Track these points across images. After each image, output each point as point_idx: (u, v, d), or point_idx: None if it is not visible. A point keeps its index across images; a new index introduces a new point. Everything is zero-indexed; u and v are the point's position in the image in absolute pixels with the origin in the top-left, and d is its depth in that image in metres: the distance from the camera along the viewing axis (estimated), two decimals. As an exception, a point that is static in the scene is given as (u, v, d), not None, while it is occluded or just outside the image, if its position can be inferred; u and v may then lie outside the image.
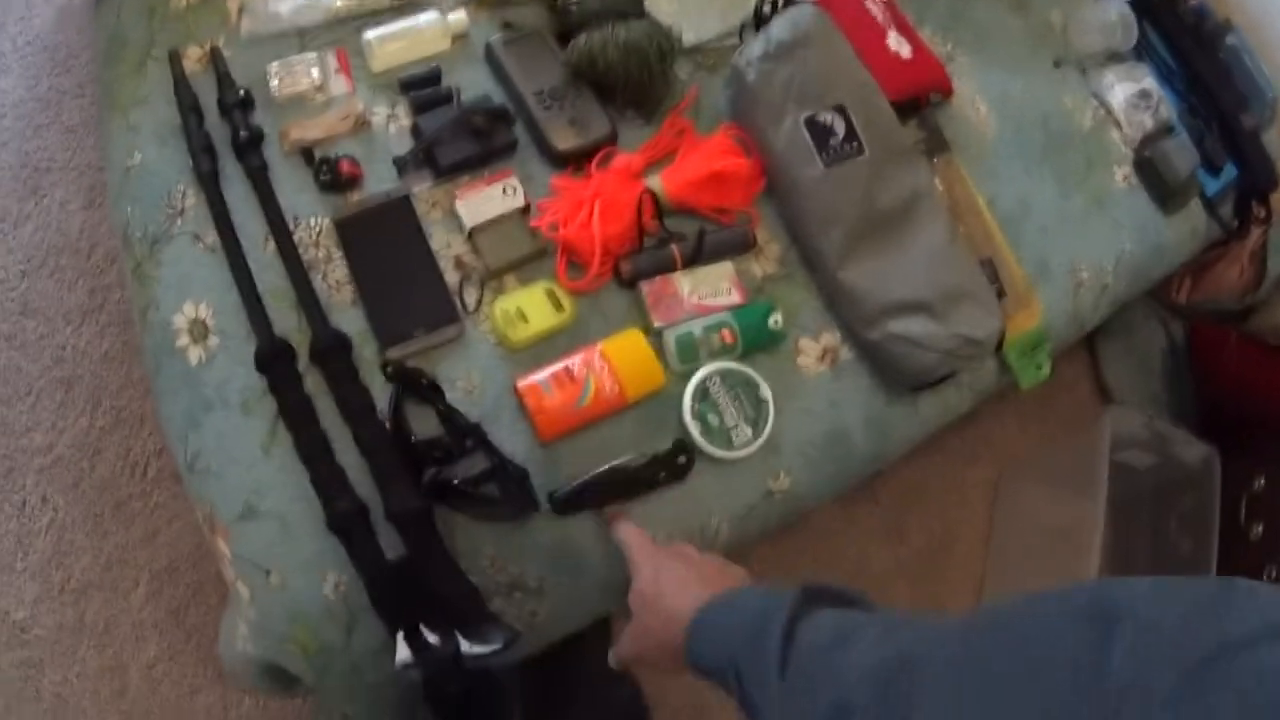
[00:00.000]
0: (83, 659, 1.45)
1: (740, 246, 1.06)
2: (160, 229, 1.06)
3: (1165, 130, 1.48)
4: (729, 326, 1.02)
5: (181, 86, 1.12)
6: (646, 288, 1.02)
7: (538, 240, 1.03)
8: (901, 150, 1.11)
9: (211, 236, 1.04)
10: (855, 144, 1.07)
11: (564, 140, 1.06)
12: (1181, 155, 1.44)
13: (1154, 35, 1.61)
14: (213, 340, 1.00)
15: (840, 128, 1.07)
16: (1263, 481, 1.49)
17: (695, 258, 1.03)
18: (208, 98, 1.11)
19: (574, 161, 1.07)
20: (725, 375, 1.01)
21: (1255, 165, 1.58)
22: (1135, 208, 1.37)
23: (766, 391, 1.02)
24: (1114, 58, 1.49)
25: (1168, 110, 1.50)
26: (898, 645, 0.53)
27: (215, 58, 1.14)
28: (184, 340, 1.01)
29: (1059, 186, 1.30)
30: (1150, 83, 1.49)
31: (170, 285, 1.03)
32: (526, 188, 1.05)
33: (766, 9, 1.15)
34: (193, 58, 1.15)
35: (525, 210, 1.04)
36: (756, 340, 1.04)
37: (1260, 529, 1.45)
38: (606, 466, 0.97)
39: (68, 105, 1.62)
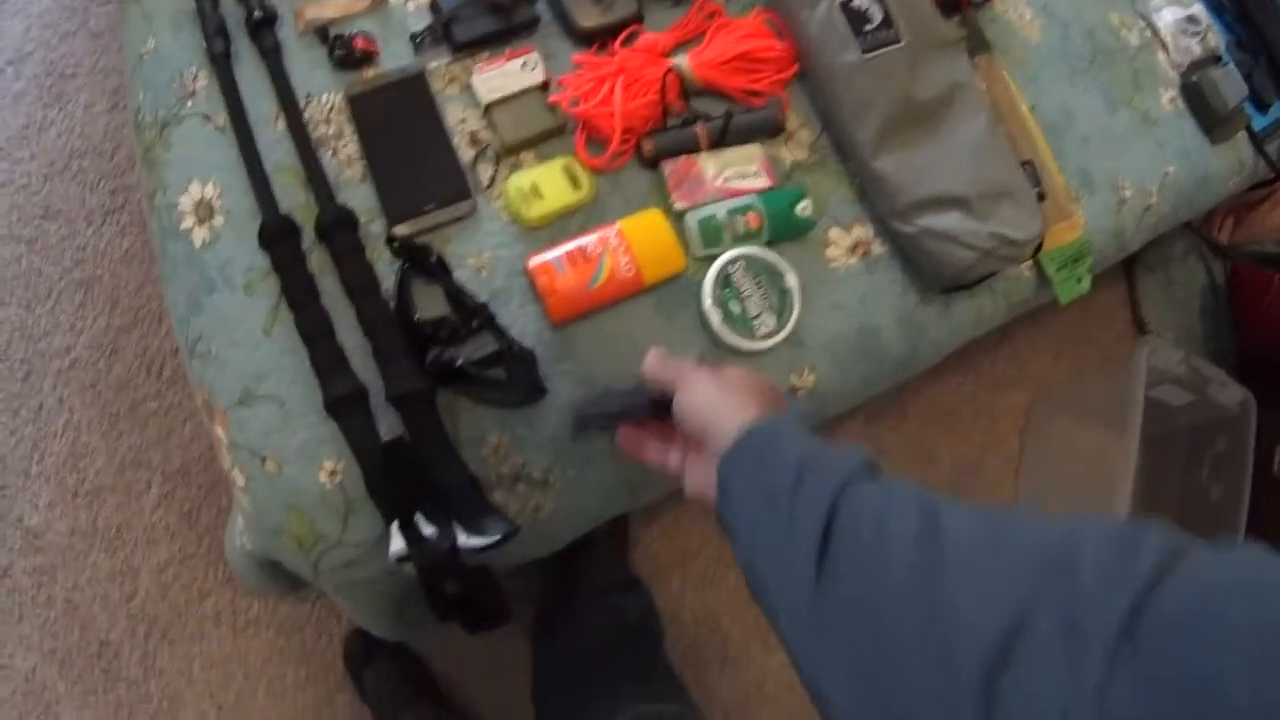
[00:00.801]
0: (94, 563, 1.40)
1: (770, 129, 0.98)
2: (170, 112, 0.99)
3: (1213, 59, 1.38)
4: (755, 210, 0.94)
5: (197, -36, 1.05)
6: (669, 167, 0.94)
7: (557, 116, 0.95)
8: (942, 41, 1.02)
9: (222, 117, 0.97)
10: (892, 31, 0.98)
11: (588, 17, 0.98)
12: (1229, 84, 1.33)
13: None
14: (218, 220, 0.94)
15: (878, 14, 0.98)
16: None
17: (721, 139, 0.95)
18: (224, -20, 1.04)
19: (598, 40, 0.98)
20: (750, 261, 0.93)
21: (1304, 105, 1.48)
22: (1182, 131, 1.28)
23: (793, 280, 0.94)
24: (1162, -21, 1.39)
25: (1216, 39, 1.40)
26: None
27: (233, -64, 1.07)
28: (189, 221, 0.94)
29: (1104, 99, 1.21)
30: (1199, 9, 1.39)
31: (178, 166, 0.97)
32: (548, 65, 0.97)
33: (805, -108, 1.06)
34: (212, -60, 1.08)
35: (545, 86, 0.96)
36: (784, 227, 0.96)
37: None
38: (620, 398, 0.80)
39: (94, 11, 1.56)
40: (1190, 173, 1.27)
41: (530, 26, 0.99)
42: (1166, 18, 1.35)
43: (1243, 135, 1.39)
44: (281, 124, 0.97)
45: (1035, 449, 1.58)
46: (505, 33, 0.98)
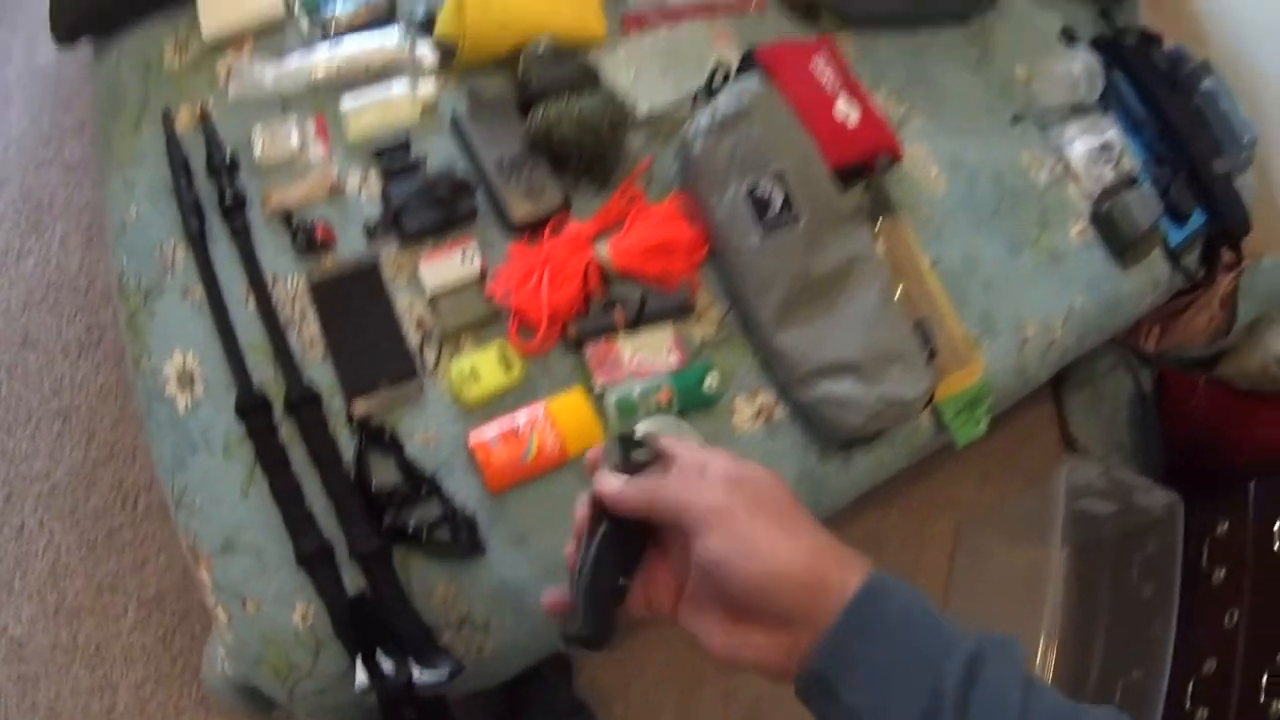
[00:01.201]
0: (75, 676, 1.64)
1: (680, 311, 1.23)
2: (152, 282, 1.25)
3: (1127, 182, 1.62)
4: (666, 388, 1.18)
5: (173, 147, 1.31)
6: (590, 350, 1.19)
7: (492, 305, 1.20)
8: (840, 217, 1.27)
9: (199, 292, 1.23)
10: (792, 214, 1.23)
11: (520, 209, 1.23)
12: (1142, 207, 1.57)
13: (1124, 83, 1.74)
14: (198, 388, 1.19)
15: (779, 198, 1.23)
16: (1226, 526, 1.61)
17: (637, 321, 1.20)
18: (198, 156, 1.30)
19: (530, 229, 1.24)
20: (661, 429, 1.17)
21: (1226, 211, 1.71)
22: (1089, 262, 1.52)
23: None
24: (1077, 110, 1.63)
25: (1131, 161, 1.64)
26: None
27: (205, 119, 1.33)
28: (172, 388, 1.19)
29: (1008, 244, 1.45)
30: (1113, 134, 1.63)
31: (161, 335, 1.22)
32: (486, 253, 1.22)
33: (718, 80, 1.31)
34: (184, 117, 1.35)
35: (482, 276, 1.21)
36: (692, 401, 1.20)
37: (1222, 573, 1.58)
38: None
39: (68, 143, 1.82)
40: (1098, 301, 1.51)
41: (470, 217, 1.25)
42: (1079, 149, 1.59)
43: (1157, 253, 1.62)
44: (252, 304, 1.22)
45: (964, 570, 1.81)
46: (447, 223, 1.24)
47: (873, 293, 1.26)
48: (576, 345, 1.20)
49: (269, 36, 1.40)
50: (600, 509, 0.64)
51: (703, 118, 1.26)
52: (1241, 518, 1.58)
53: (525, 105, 1.29)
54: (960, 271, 1.40)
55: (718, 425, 1.23)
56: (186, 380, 1.19)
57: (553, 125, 1.23)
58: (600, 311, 1.21)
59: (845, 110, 1.34)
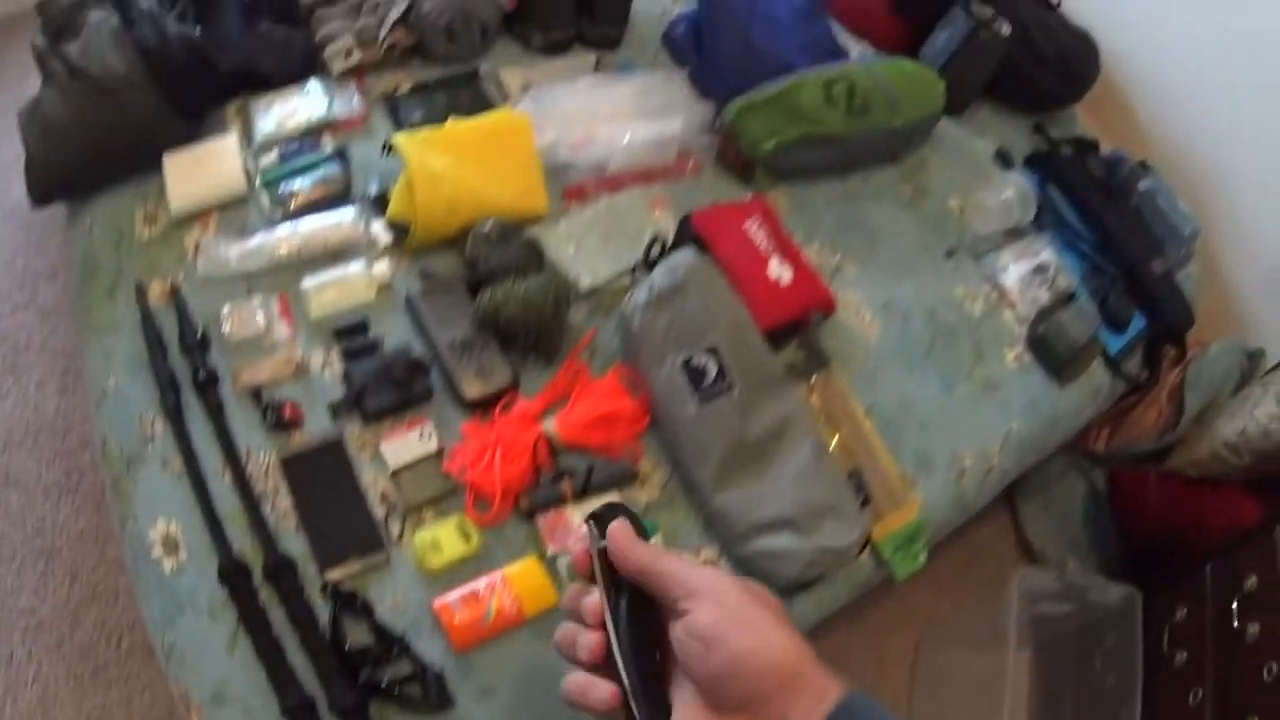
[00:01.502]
0: (66, 807, 1.85)
1: (625, 479, 1.44)
2: (134, 452, 1.46)
3: (1064, 299, 1.83)
4: (614, 551, 1.39)
5: (148, 323, 1.53)
6: (542, 519, 1.40)
7: (450, 480, 1.41)
8: (772, 380, 1.48)
9: (178, 463, 1.44)
10: (726, 383, 1.44)
11: (472, 389, 1.45)
12: (1078, 323, 1.78)
13: (1060, 197, 1.96)
14: (183, 554, 1.40)
15: (713, 369, 1.44)
16: (1185, 611, 1.81)
17: (585, 491, 1.41)
18: (171, 329, 1.52)
19: (481, 407, 1.45)
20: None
21: (1166, 310, 1.93)
22: (1026, 385, 1.73)
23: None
24: (1012, 234, 1.85)
25: (1067, 279, 1.85)
26: None
27: (176, 296, 1.54)
28: (158, 551, 1.40)
29: (942, 381, 1.66)
30: (1048, 254, 1.85)
31: (144, 502, 1.43)
32: (441, 430, 1.44)
33: (655, 251, 1.53)
34: (156, 290, 1.56)
35: (439, 453, 1.42)
36: (639, 561, 1.41)
37: (1184, 655, 1.76)
38: None
39: (42, 288, 2.04)
40: (1036, 422, 1.72)
41: (426, 396, 1.46)
42: (1013, 275, 1.81)
43: (1097, 363, 1.83)
44: (228, 477, 1.43)
45: (926, 682, 2.01)
46: (405, 403, 1.45)
47: (805, 450, 1.47)
48: (529, 516, 1.41)
49: (233, 210, 1.62)
50: (612, 581, 0.68)
51: (641, 292, 1.47)
52: (1200, 601, 1.77)
53: (474, 286, 1.50)
54: (895, 415, 1.62)
55: (663, 582, 1.44)
56: (171, 545, 1.40)
57: (500, 306, 1.45)
58: (550, 483, 1.42)
59: (778, 270, 1.56)
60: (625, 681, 0.65)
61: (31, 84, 1.65)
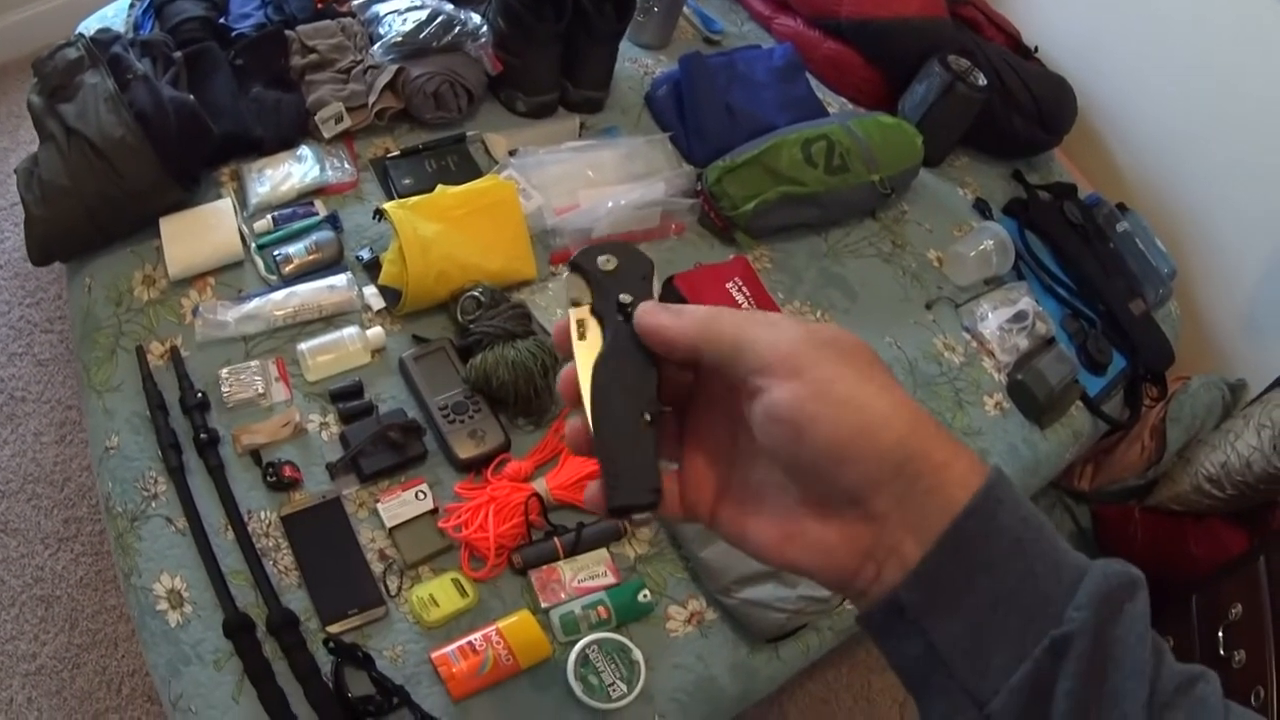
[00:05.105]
0: None
1: (613, 536, 1.55)
2: (138, 508, 1.56)
3: (1044, 345, 1.95)
4: (604, 604, 1.51)
5: (149, 384, 1.63)
6: (535, 575, 1.52)
7: (445, 537, 1.52)
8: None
9: (181, 521, 1.54)
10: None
11: (465, 450, 1.56)
12: (1056, 368, 1.90)
13: (1038, 243, 2.08)
14: (188, 608, 1.50)
15: (698, 426, 1.55)
16: (1172, 642, 1.93)
17: (575, 547, 1.52)
18: (171, 390, 1.62)
19: (475, 468, 1.56)
20: (602, 643, 1.50)
21: (1146, 349, 2.05)
22: (1008, 430, 1.85)
23: (638, 654, 1.51)
24: (991, 282, 1.97)
25: (1045, 325, 1.97)
26: None
27: (175, 358, 1.65)
28: (163, 605, 1.51)
29: (922, 430, 1.78)
30: (1026, 302, 1.96)
31: (149, 558, 1.53)
32: (435, 490, 1.55)
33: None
34: (156, 351, 1.67)
35: (434, 511, 1.53)
36: (629, 613, 1.53)
37: None
38: None
39: (39, 338, 2.15)
40: (1017, 466, 1.84)
41: (421, 458, 1.57)
42: (991, 324, 1.92)
43: (1077, 406, 1.95)
44: (231, 535, 1.54)
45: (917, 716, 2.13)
46: (401, 464, 1.56)
47: (787, 503, 1.58)
48: (522, 572, 1.52)
49: (229, 273, 1.73)
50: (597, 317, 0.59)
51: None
52: (1187, 630, 1.89)
53: (464, 350, 1.62)
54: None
55: (654, 631, 1.55)
56: (176, 600, 1.51)
57: (490, 371, 1.56)
58: (541, 540, 1.53)
59: (759, 327, 1.67)
60: (595, 444, 0.56)
61: (24, 133, 1.75)
